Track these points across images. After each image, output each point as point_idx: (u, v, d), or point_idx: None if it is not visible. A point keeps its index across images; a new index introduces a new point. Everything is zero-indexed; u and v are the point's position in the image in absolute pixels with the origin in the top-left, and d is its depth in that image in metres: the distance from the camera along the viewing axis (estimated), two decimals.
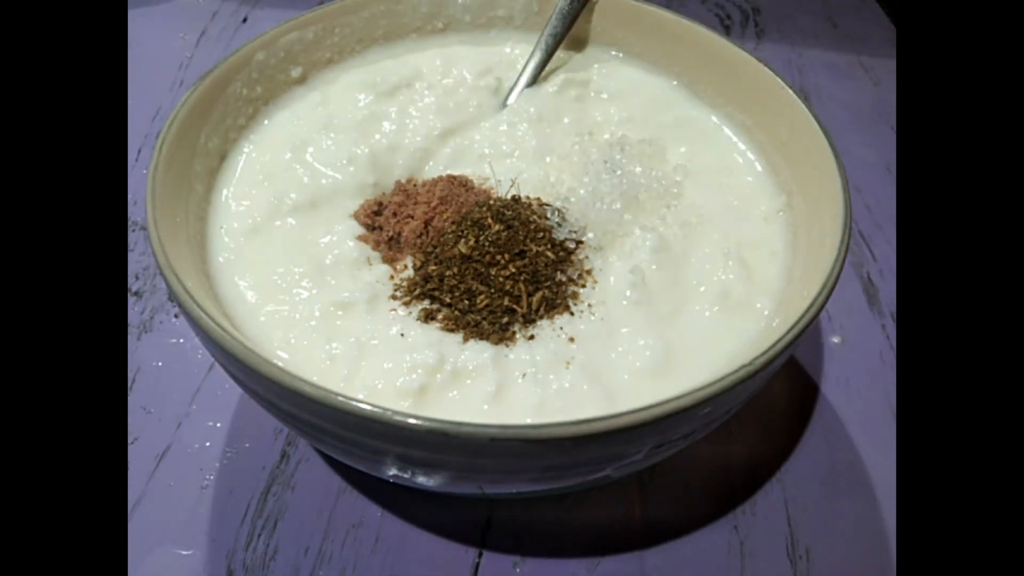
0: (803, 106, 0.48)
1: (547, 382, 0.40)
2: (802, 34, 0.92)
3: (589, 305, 0.44)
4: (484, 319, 0.42)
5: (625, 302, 0.44)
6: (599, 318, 0.43)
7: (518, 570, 0.46)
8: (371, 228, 0.49)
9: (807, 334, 0.37)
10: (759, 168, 0.53)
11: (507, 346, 0.42)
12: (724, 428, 0.42)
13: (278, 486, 0.49)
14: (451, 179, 0.51)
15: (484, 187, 0.51)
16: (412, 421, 0.31)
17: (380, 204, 0.50)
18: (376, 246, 0.47)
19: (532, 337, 0.42)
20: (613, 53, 0.61)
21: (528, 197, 0.49)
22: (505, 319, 0.42)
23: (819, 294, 0.38)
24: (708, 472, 0.50)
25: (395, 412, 0.31)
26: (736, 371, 0.34)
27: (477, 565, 0.46)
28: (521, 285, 0.43)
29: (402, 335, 0.42)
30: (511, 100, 0.57)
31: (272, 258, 0.46)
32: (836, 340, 0.59)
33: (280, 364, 0.33)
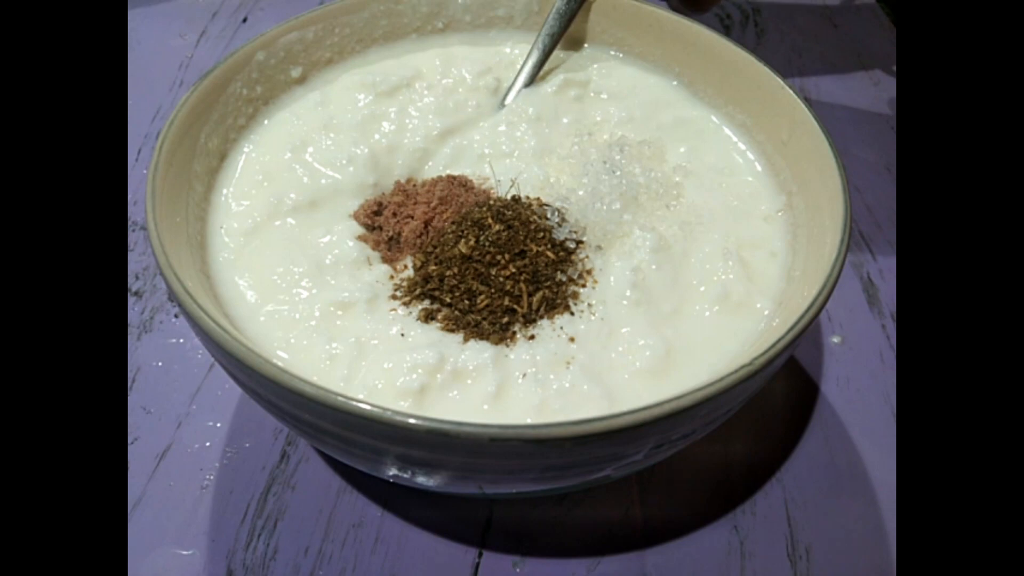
0: (803, 106, 0.48)
1: (547, 382, 0.40)
2: (802, 34, 0.92)
3: (589, 305, 0.44)
4: (484, 319, 0.42)
5: (625, 302, 0.44)
6: (599, 318, 0.43)
7: (518, 570, 0.46)
8: (371, 228, 0.49)
9: (807, 334, 0.37)
10: (759, 168, 0.53)
11: (507, 346, 0.42)
12: (724, 428, 0.42)
13: (278, 486, 0.49)
14: (451, 179, 0.51)
15: (484, 187, 0.51)
16: (412, 421, 0.31)
17: (380, 204, 0.50)
18: (376, 246, 0.47)
19: (532, 337, 0.42)
20: (613, 53, 0.61)
21: (528, 197, 0.49)
22: (505, 319, 0.42)
23: (819, 294, 0.38)
24: (708, 472, 0.50)
25: (395, 412, 0.31)
26: (736, 371, 0.34)
27: (477, 565, 0.46)
28: (522, 285, 0.43)
29: (402, 335, 0.42)
30: (509, 100, 0.57)
31: (272, 258, 0.45)
32: (836, 340, 0.59)
33: (280, 364, 0.33)
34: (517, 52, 0.61)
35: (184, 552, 0.46)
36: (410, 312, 0.43)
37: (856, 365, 0.57)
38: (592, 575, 0.46)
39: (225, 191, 0.49)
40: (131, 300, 0.59)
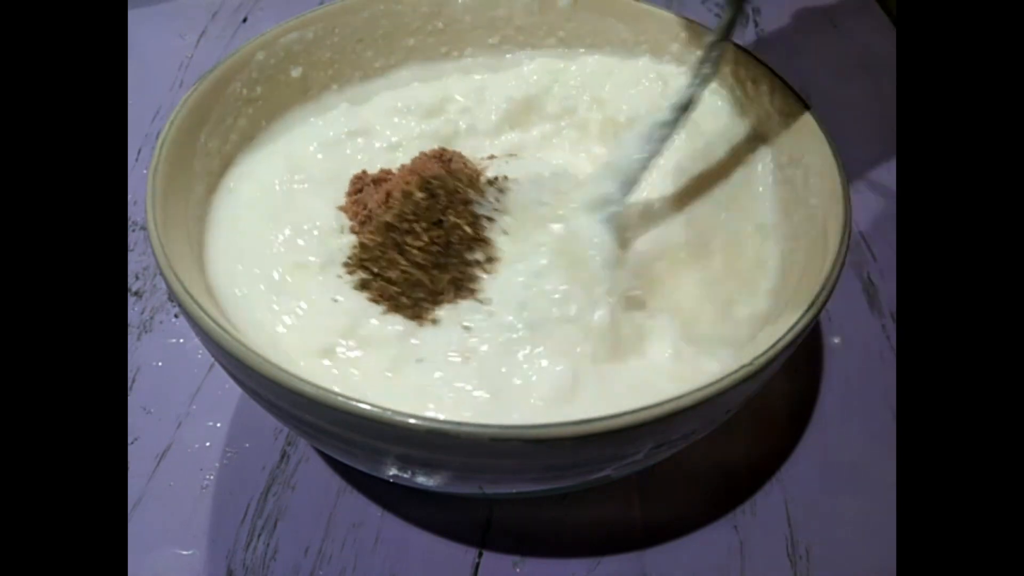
0: (803, 106, 0.49)
1: (432, 372, 0.40)
2: (802, 34, 0.92)
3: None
4: (402, 292, 0.42)
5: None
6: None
7: (518, 570, 0.46)
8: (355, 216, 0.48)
9: (807, 334, 0.37)
10: (759, 170, 0.53)
11: (419, 325, 0.41)
12: (724, 428, 0.42)
13: (278, 486, 0.49)
14: (435, 153, 0.50)
15: (477, 160, 0.50)
16: (412, 421, 0.31)
17: (360, 179, 0.49)
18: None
19: (435, 321, 0.42)
20: (608, 52, 0.61)
21: (467, 164, 0.47)
22: (420, 294, 0.42)
23: (819, 294, 0.38)
24: (708, 472, 0.50)
25: (395, 412, 0.31)
26: (736, 371, 0.34)
27: (477, 565, 0.46)
28: (432, 258, 0.42)
29: (335, 300, 0.42)
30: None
31: (274, 260, 0.45)
32: (836, 340, 0.59)
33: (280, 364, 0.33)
34: (514, 56, 0.61)
35: (184, 552, 0.46)
36: (351, 282, 0.43)
37: (856, 365, 0.57)
38: (592, 575, 0.46)
39: (225, 191, 0.49)
40: (131, 300, 0.59)
